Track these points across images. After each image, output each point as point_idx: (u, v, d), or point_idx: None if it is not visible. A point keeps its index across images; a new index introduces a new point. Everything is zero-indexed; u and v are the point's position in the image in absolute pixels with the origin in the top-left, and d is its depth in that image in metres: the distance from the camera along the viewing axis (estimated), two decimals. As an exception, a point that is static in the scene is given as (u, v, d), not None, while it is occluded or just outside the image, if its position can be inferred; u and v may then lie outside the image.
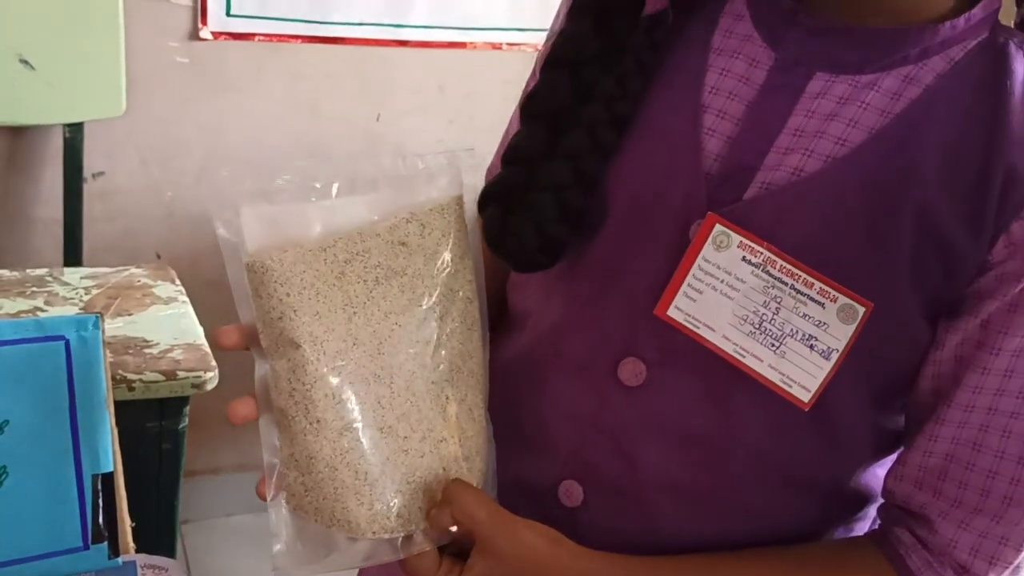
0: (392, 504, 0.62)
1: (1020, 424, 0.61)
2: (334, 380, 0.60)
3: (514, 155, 0.70)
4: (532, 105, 0.70)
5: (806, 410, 0.61)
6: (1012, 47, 0.63)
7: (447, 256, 0.64)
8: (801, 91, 0.64)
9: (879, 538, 0.67)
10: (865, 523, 0.72)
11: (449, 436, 0.64)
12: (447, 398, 0.64)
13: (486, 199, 0.71)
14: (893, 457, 0.68)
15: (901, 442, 0.68)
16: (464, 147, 0.66)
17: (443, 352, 0.64)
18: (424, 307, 0.63)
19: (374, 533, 0.62)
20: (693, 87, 0.67)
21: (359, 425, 0.61)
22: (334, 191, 0.61)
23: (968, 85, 0.62)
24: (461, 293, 0.65)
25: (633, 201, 0.67)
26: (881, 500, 0.69)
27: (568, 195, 0.67)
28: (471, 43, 2.13)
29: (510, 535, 0.62)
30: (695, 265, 0.63)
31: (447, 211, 0.64)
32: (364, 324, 0.61)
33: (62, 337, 0.71)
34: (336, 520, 0.61)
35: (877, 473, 0.70)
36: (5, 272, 1.50)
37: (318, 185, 0.61)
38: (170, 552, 1.38)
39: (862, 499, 0.71)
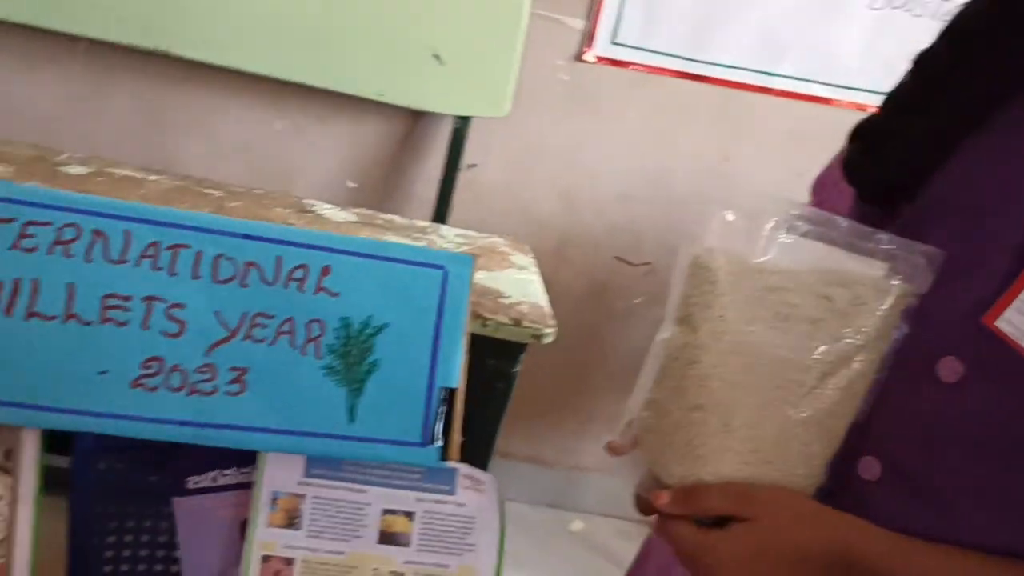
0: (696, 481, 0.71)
1: None
2: (706, 367, 0.69)
3: (889, 101, 0.77)
4: (918, 60, 0.75)
5: None
6: None
7: (863, 330, 0.69)
8: None
9: None
10: None
11: (776, 461, 0.71)
12: (793, 436, 0.70)
13: (855, 133, 0.78)
14: None
15: None
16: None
17: (810, 399, 0.70)
18: (813, 357, 0.69)
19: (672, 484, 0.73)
20: None
21: (710, 411, 0.70)
22: (798, 230, 0.69)
23: None
24: (857, 366, 0.70)
25: (977, 208, 0.68)
26: None
27: (915, 151, 0.72)
28: (835, 100, 2.08)
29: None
30: None
31: (885, 296, 0.69)
32: (753, 342, 0.69)
33: (442, 267, 0.79)
34: (655, 463, 0.73)
35: None
36: (397, 218, 1.79)
37: (785, 223, 0.69)
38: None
39: None
